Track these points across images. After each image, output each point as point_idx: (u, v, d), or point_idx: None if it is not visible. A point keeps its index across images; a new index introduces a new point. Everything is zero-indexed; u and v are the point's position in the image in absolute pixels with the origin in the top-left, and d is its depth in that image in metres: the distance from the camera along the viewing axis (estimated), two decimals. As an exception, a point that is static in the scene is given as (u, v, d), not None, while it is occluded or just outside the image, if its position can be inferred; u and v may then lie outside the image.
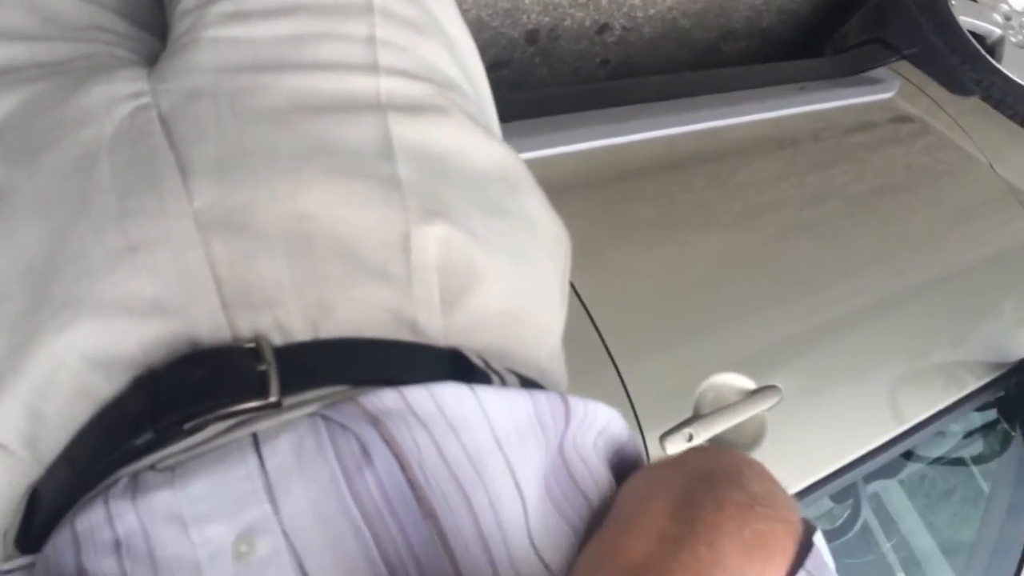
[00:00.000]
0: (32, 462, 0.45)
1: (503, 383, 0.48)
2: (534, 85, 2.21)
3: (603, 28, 2.19)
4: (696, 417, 1.14)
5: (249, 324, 0.45)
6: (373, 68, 0.53)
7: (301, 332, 0.45)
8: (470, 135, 0.55)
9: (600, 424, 0.50)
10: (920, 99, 1.94)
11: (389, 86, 0.53)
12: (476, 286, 0.51)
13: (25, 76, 0.51)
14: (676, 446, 1.11)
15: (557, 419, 0.47)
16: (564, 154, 1.44)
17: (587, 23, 2.14)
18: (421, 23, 0.57)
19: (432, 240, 0.49)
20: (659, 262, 1.37)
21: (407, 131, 0.52)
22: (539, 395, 0.46)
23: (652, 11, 2.22)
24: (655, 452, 1.11)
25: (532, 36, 2.08)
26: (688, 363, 1.24)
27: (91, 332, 0.44)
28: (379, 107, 0.52)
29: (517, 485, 0.42)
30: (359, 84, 0.52)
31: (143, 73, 0.52)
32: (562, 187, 1.50)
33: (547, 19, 2.05)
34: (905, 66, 1.99)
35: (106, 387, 0.44)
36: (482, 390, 0.44)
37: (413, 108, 0.53)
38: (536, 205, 0.58)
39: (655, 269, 1.36)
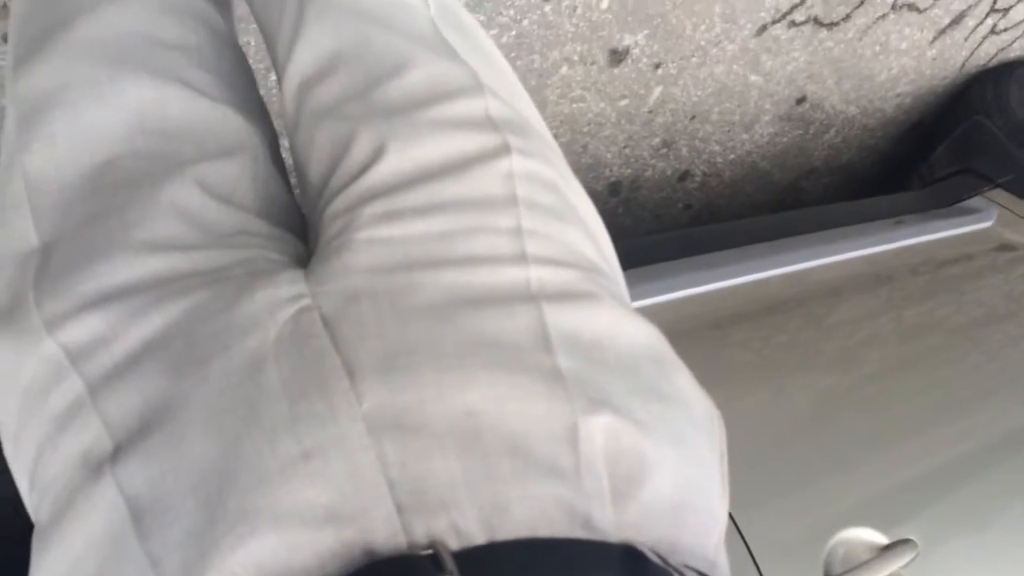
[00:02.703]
0: None
1: None
2: (618, 235, 2.23)
3: (684, 175, 2.22)
4: (829, 578, 1.07)
5: (424, 528, 0.43)
6: (522, 258, 0.53)
7: (478, 535, 0.43)
8: (620, 317, 0.54)
9: None
10: (1021, 226, 1.89)
11: (539, 275, 0.52)
12: (645, 476, 0.48)
13: (186, 285, 0.51)
14: (810, 611, 1.03)
15: None
16: (655, 304, 1.43)
17: (668, 172, 2.17)
18: (560, 210, 0.57)
19: (599, 431, 0.47)
20: (760, 408, 1.33)
21: (561, 319, 0.51)
22: None
23: (732, 156, 2.25)
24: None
25: (615, 188, 2.12)
26: (811, 516, 1.17)
27: (268, 546, 0.42)
28: (531, 297, 0.51)
29: None
30: (510, 275, 0.52)
31: (300, 275, 0.52)
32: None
33: (629, 171, 2.09)
34: (1001, 194, 1.95)
35: None
36: None
37: (564, 295, 0.53)
38: (686, 383, 0.57)
39: (756, 416, 1.31)
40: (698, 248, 1.61)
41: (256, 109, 0.68)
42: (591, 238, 0.60)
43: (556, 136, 1.87)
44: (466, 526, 0.43)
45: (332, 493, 0.43)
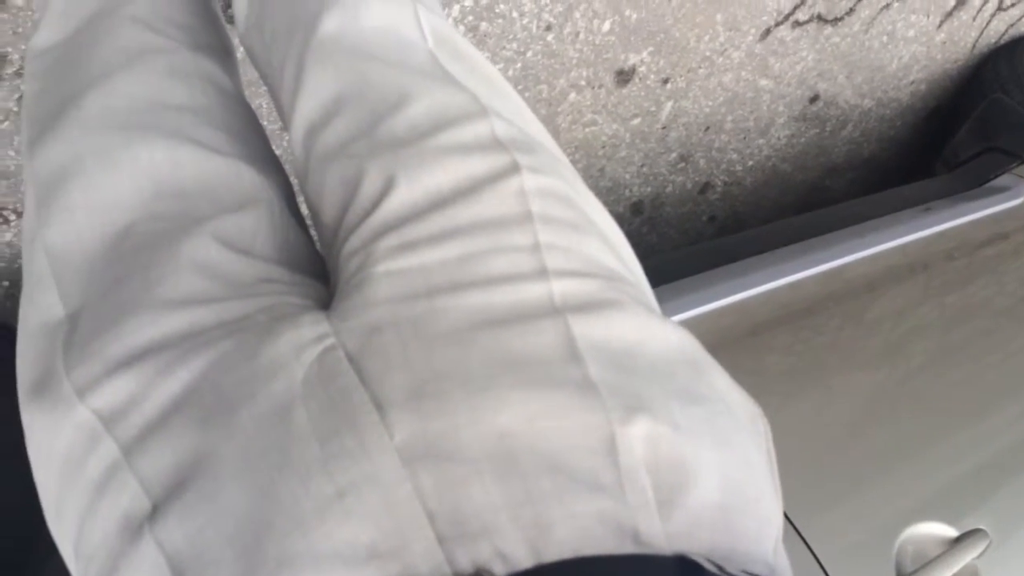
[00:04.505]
0: None
1: None
2: (646, 253, 2.22)
3: (705, 187, 2.21)
4: (901, 577, 1.04)
5: (468, 557, 0.43)
6: (543, 273, 0.52)
7: (524, 558, 0.43)
8: (648, 323, 0.54)
9: None
10: (1054, 199, 1.86)
11: (561, 288, 0.52)
12: (690, 482, 0.47)
13: (210, 337, 0.52)
14: (885, 613, 1.00)
15: None
16: (690, 318, 1.42)
17: (688, 186, 2.16)
18: (577, 222, 0.57)
19: (638, 440, 0.47)
20: (812, 412, 1.31)
21: (588, 330, 0.50)
22: None
23: (751, 163, 2.23)
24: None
25: (637, 208, 2.11)
26: (874, 515, 1.14)
27: None
28: (556, 311, 0.51)
29: None
30: (533, 292, 0.51)
31: (323, 316, 0.52)
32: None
33: (649, 189, 2.08)
34: (1029, 169, 1.93)
35: None
36: None
37: (588, 306, 0.52)
38: (725, 384, 0.56)
39: (809, 420, 1.29)
40: (727, 258, 1.60)
41: (269, 163, 0.69)
42: (610, 247, 0.59)
43: (573, 162, 1.87)
44: (511, 551, 0.43)
45: (371, 530, 0.43)
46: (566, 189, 0.59)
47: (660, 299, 1.49)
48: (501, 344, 0.49)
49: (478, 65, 0.66)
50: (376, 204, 0.55)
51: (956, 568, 1.05)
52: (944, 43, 2.35)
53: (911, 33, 2.24)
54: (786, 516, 1.09)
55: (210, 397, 0.49)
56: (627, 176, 2.02)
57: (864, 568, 1.06)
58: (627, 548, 0.44)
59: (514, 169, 0.56)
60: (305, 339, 0.50)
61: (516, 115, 0.63)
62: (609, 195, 2.03)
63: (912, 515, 1.13)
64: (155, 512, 0.46)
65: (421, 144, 0.57)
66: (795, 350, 1.43)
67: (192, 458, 0.47)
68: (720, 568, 0.44)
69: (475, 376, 0.47)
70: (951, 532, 1.11)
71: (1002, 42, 2.48)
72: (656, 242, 2.24)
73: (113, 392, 0.50)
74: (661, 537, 0.45)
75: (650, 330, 0.53)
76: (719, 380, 0.55)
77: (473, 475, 0.44)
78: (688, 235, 2.29)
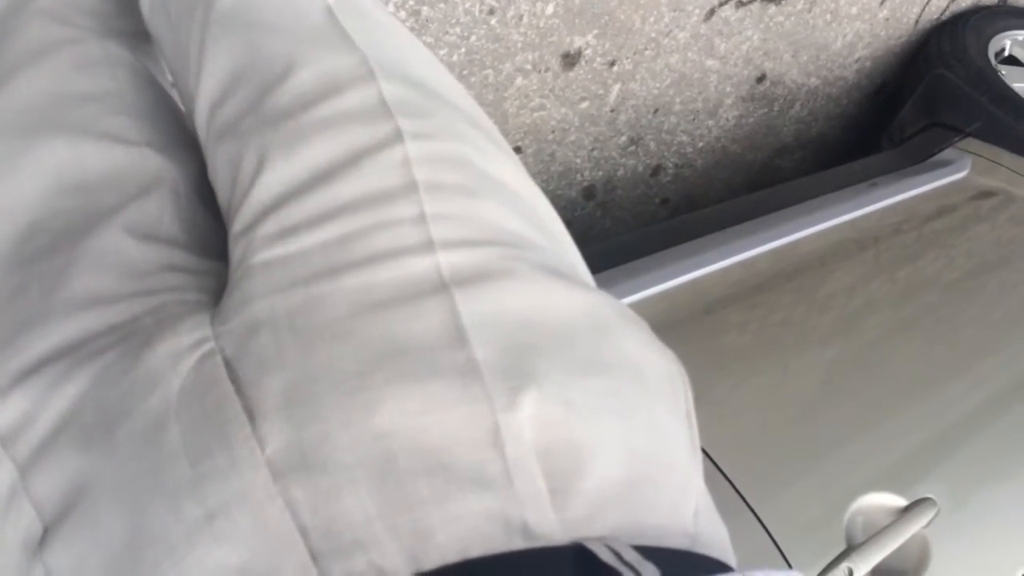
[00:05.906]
0: None
1: None
2: (599, 237, 2.22)
3: (656, 170, 2.21)
4: (851, 548, 1.05)
5: (343, 571, 0.41)
6: (429, 246, 0.49)
7: (401, 569, 0.41)
8: (546, 288, 0.51)
9: None
10: (997, 171, 1.88)
11: (449, 260, 0.49)
12: (586, 463, 0.45)
13: (98, 346, 0.49)
14: (837, 584, 1.01)
15: None
16: (645, 299, 1.42)
17: (640, 168, 2.16)
18: (474, 186, 0.54)
19: (524, 425, 0.44)
20: (765, 389, 1.31)
21: (477, 305, 0.48)
22: None
23: (701, 144, 2.24)
24: (815, 594, 1.02)
25: (589, 192, 2.11)
26: (825, 489, 1.15)
27: None
28: (443, 286, 0.48)
29: None
30: (417, 266, 0.48)
31: (206, 318, 0.49)
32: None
33: (600, 173, 2.08)
34: (972, 143, 1.95)
35: None
36: None
37: (480, 277, 0.49)
38: (637, 346, 0.53)
39: (763, 397, 1.30)
40: (680, 238, 1.60)
41: (181, 143, 0.66)
42: (518, 208, 0.56)
43: (523, 147, 1.86)
44: (387, 562, 0.41)
45: (242, 552, 0.41)
46: (463, 151, 0.55)
47: (614, 281, 1.49)
48: (381, 331, 0.46)
49: (380, 19, 0.62)
50: (252, 184, 0.52)
51: (905, 537, 1.06)
52: (887, 20, 2.37)
53: (854, 11, 2.25)
54: (739, 493, 1.09)
55: (92, 415, 0.46)
56: (578, 160, 2.01)
57: (816, 540, 1.07)
58: (516, 544, 0.42)
59: (397, 137, 0.52)
60: (183, 346, 0.47)
61: (420, 70, 0.59)
62: (561, 180, 2.03)
63: (865, 488, 1.14)
64: (45, 536, 0.45)
65: (302, 117, 0.53)
66: (750, 328, 1.44)
67: (77, 481, 0.45)
68: (617, 554, 0.41)
69: (349, 375, 0.44)
70: (900, 501, 1.12)
71: (944, 18, 2.51)
72: (610, 226, 2.24)
73: (9, 410, 0.48)
74: (555, 526, 0.43)
75: (550, 296, 0.50)
76: (628, 343, 0.52)
77: (346, 484, 0.42)
78: (641, 218, 2.30)
